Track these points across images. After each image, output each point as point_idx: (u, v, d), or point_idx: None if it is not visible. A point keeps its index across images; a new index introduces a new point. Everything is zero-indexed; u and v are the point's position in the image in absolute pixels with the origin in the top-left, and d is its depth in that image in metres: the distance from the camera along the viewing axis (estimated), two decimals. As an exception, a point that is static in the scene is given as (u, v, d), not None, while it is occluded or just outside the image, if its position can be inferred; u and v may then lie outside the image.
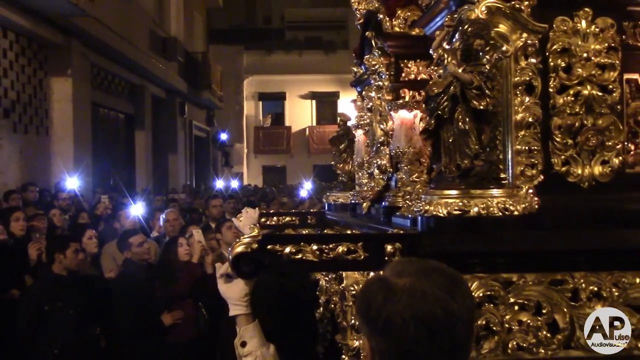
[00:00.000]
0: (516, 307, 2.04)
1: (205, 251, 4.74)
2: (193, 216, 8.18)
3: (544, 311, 2.04)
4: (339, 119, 4.21)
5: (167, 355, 4.77)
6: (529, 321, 2.04)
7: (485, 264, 2.06)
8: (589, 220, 2.22)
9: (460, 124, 2.12)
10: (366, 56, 3.24)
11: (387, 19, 3.02)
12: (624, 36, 2.38)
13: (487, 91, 2.10)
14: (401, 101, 2.84)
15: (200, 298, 4.70)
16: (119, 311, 4.65)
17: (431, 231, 2.08)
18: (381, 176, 3.11)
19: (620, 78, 2.31)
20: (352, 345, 2.94)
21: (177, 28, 17.32)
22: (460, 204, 2.04)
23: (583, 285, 2.07)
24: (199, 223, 6.90)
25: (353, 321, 2.89)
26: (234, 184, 15.59)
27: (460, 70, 2.12)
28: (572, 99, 2.24)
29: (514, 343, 2.03)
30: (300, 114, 23.74)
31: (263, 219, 4.13)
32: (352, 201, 3.51)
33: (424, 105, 2.26)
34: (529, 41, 2.20)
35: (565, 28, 2.25)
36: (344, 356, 2.98)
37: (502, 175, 2.21)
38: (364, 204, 3.19)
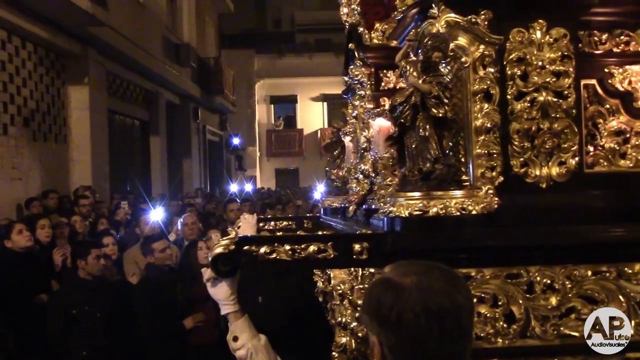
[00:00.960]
0: (475, 300, 2.20)
1: None
2: (211, 220, 8.41)
3: (499, 303, 2.20)
4: (333, 125, 4.40)
5: (189, 357, 4.93)
6: (486, 313, 2.19)
7: (445, 260, 2.22)
8: (547, 218, 2.36)
9: (421, 130, 2.29)
10: (350, 67, 3.43)
11: (367, 31, 3.20)
12: (580, 44, 2.53)
13: (445, 100, 2.27)
14: (379, 109, 3.01)
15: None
16: (142, 315, 4.81)
17: (395, 231, 2.25)
18: (365, 181, 3.28)
19: (576, 84, 2.46)
20: (340, 342, 3.11)
21: (190, 34, 17.65)
22: (421, 205, 2.20)
23: (538, 278, 2.23)
24: (217, 227, 7.10)
25: (340, 319, 3.06)
26: (248, 187, 15.85)
27: (420, 81, 2.29)
28: (529, 104, 2.38)
29: (474, 333, 2.19)
30: (311, 117, 23.95)
31: (261, 224, 4.33)
32: (342, 205, 3.69)
33: (389, 113, 2.44)
34: (486, 52, 2.36)
35: (520, 39, 2.39)
36: (333, 353, 3.16)
37: (464, 178, 2.37)
38: (350, 208, 3.37)
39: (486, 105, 2.37)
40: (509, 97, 2.40)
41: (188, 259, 5.31)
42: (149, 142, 15.40)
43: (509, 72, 2.40)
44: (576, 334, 2.20)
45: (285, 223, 4.27)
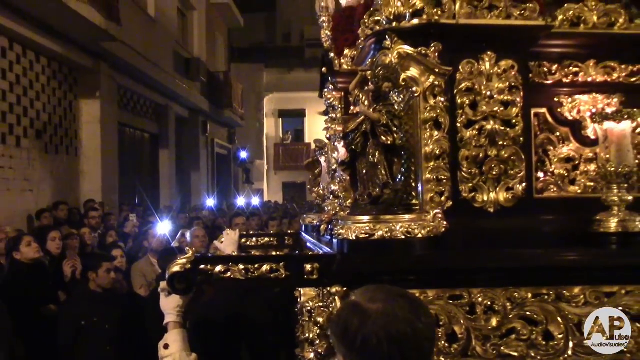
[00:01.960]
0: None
1: None
2: (217, 234, 8.53)
3: (441, 323, 2.29)
4: (313, 145, 4.53)
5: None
6: (429, 332, 2.29)
7: (392, 282, 2.32)
8: (495, 242, 2.46)
9: (371, 157, 2.41)
10: (324, 91, 3.56)
11: (337, 57, 3.33)
12: (530, 75, 2.64)
13: (394, 128, 2.39)
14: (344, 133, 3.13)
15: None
16: (152, 326, 4.90)
17: (344, 253, 2.37)
18: (335, 201, 3.40)
19: (525, 113, 2.56)
20: (308, 357, 3.22)
21: (200, 48, 17.91)
22: (367, 228, 2.31)
23: (480, 299, 2.32)
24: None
25: (307, 335, 3.17)
26: (255, 200, 15.98)
27: (371, 110, 2.41)
28: (477, 132, 2.49)
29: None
30: (320, 131, 23.89)
31: (243, 240, 4.47)
32: (317, 224, 3.80)
33: (342, 140, 2.56)
34: (436, 82, 2.47)
35: (470, 69, 2.50)
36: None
37: (414, 202, 2.48)
38: (322, 227, 3.48)
39: (436, 133, 2.48)
40: (458, 125, 2.51)
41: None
42: (158, 155, 15.59)
43: (459, 101, 2.51)
44: (515, 353, 2.29)
45: (266, 239, 4.39)
